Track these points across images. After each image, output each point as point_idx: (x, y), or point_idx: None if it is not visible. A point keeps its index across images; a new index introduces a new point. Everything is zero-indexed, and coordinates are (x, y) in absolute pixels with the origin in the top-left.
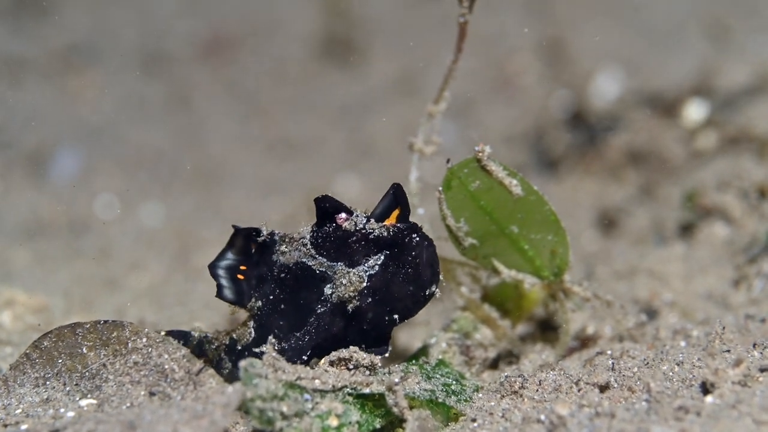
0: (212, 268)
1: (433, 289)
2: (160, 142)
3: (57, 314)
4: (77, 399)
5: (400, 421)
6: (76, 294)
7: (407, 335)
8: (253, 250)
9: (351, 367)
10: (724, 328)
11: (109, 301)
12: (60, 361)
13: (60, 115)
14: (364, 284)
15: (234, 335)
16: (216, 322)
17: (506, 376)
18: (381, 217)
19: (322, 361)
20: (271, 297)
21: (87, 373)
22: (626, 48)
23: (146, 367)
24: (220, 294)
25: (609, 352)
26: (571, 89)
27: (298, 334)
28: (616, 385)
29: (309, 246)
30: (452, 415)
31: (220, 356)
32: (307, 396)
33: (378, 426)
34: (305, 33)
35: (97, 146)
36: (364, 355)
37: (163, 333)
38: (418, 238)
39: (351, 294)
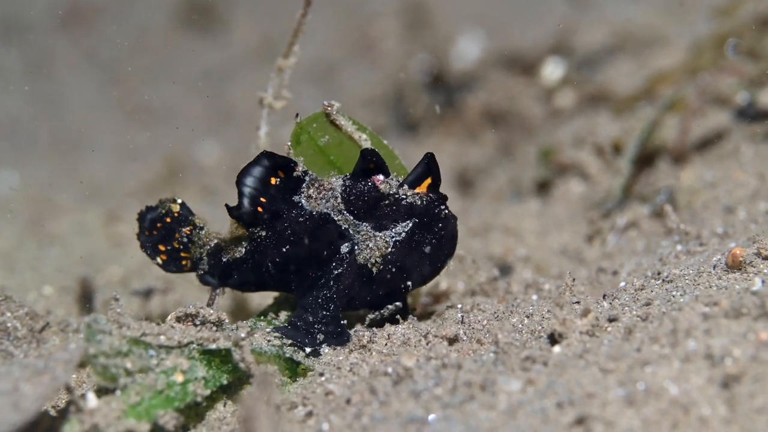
0: (240, 183)
1: (449, 261)
2: (17, 110)
3: None
4: None
5: (249, 377)
6: None
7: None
8: (278, 181)
9: (197, 323)
10: (574, 280)
11: None
12: None
13: None
14: (389, 250)
15: (223, 244)
16: (68, 285)
17: (355, 331)
18: (414, 183)
19: (169, 317)
20: (278, 234)
21: None
22: (488, 11)
23: None
24: (236, 209)
25: (459, 306)
26: (432, 52)
27: (319, 295)
28: (465, 338)
29: (339, 200)
30: (300, 371)
31: (202, 256)
32: (152, 352)
33: (225, 382)
34: (167, 1)
35: None
36: (211, 311)
37: (179, 201)
38: (447, 211)
39: (377, 259)
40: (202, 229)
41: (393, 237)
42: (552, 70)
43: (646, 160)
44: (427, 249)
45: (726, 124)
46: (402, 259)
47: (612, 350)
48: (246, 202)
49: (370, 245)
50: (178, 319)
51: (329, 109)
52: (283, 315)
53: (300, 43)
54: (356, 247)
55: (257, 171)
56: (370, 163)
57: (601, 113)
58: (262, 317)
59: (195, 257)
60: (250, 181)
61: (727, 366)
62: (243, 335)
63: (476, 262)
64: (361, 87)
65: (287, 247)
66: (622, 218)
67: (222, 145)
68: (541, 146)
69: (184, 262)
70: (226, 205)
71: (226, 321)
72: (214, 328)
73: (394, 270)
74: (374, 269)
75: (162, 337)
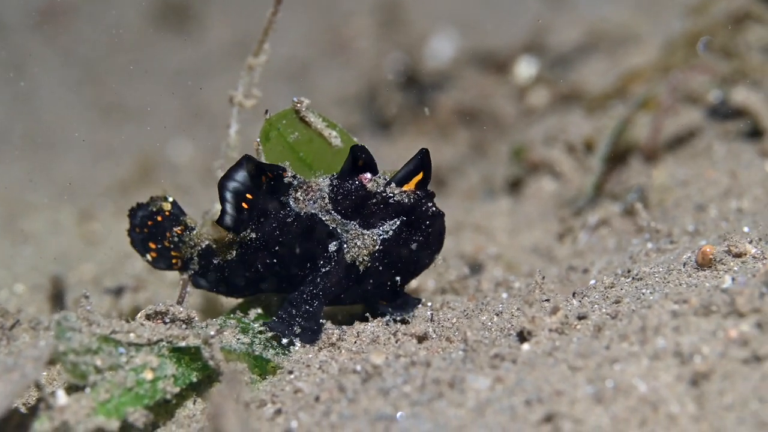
0: (222, 186)
1: (437, 257)
2: None
3: None
4: None
5: (218, 375)
6: None
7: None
8: (266, 183)
9: (167, 320)
10: (544, 278)
11: None
12: None
13: None
14: (377, 248)
15: (214, 246)
16: (40, 283)
17: (324, 329)
18: (403, 180)
19: (139, 314)
20: (267, 236)
21: None
22: (462, 10)
23: None
24: (221, 219)
25: (429, 304)
26: (405, 51)
27: (305, 290)
28: (434, 336)
29: (327, 200)
30: (270, 368)
31: (192, 256)
32: (121, 350)
33: (194, 379)
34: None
35: None
36: (181, 309)
37: (171, 200)
38: (434, 209)
39: (364, 257)
40: (193, 229)
41: (381, 235)
42: (525, 69)
43: (618, 158)
44: (415, 246)
45: (698, 122)
46: (390, 256)
47: (581, 348)
48: (228, 210)
49: (358, 243)
50: (148, 317)
51: (299, 105)
52: (253, 313)
53: (273, 41)
54: (344, 246)
55: (238, 178)
56: (360, 159)
57: (574, 111)
58: (231, 315)
59: (185, 257)
60: (231, 189)
61: (696, 363)
62: (212, 333)
63: (446, 261)
64: (334, 85)
65: (276, 248)
66: (594, 216)
67: (195, 143)
68: (513, 144)
69: (174, 261)
70: (215, 221)
71: (196, 319)
72: (184, 326)
73: (381, 267)
74: (362, 267)
75: (132, 335)
